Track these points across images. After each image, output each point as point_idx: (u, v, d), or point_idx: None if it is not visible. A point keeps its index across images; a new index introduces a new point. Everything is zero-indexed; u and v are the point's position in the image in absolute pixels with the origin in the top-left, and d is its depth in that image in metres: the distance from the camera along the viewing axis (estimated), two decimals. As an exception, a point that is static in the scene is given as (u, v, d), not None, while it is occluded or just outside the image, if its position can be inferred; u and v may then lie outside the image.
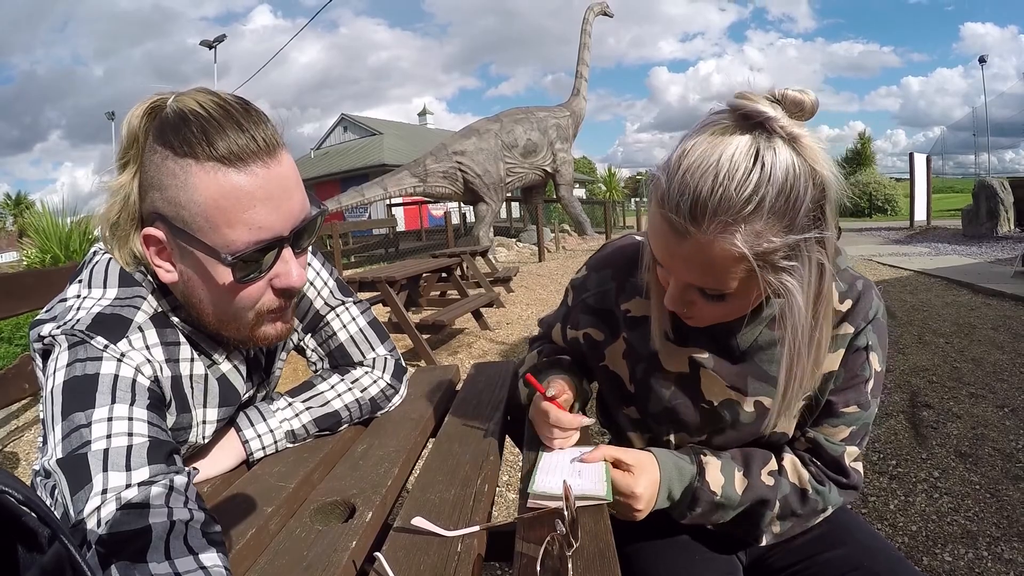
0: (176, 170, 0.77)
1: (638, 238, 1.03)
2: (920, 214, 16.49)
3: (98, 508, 0.69)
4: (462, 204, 16.88)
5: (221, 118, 0.76)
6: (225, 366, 0.99)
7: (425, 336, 4.84)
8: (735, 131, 0.73)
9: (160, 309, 0.90)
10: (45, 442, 0.81)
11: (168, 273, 0.85)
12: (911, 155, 16.61)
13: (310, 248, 1.03)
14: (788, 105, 0.74)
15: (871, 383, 0.93)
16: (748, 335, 0.93)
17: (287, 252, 0.84)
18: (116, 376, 0.79)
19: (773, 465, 0.96)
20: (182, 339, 0.91)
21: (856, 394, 0.93)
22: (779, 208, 0.72)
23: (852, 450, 0.96)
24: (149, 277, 0.90)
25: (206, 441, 1.00)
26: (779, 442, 0.99)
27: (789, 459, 0.97)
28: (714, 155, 0.72)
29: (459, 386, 1.49)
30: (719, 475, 0.94)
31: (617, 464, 0.93)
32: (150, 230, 0.82)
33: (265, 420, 1.07)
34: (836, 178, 0.74)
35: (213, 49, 25.01)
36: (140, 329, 0.86)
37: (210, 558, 0.66)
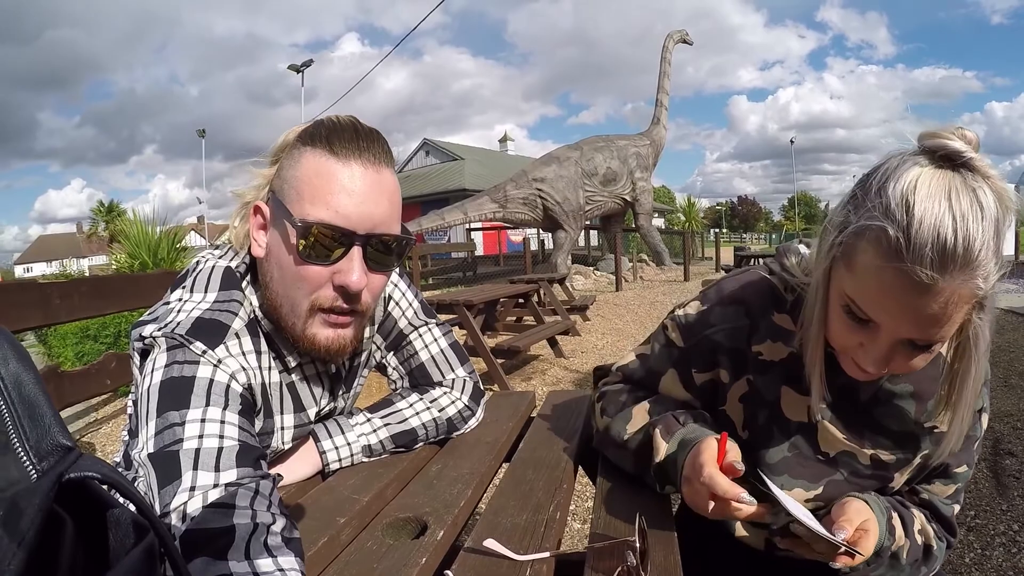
0: (296, 154, 0.89)
1: (765, 275, 0.98)
2: (1008, 248, 15.46)
3: (185, 504, 0.71)
4: (541, 231, 16.95)
5: (346, 127, 0.89)
6: (296, 375, 1.01)
7: (499, 361, 4.86)
8: (944, 171, 0.72)
9: (253, 313, 0.94)
10: (134, 435, 0.85)
11: (259, 248, 0.92)
12: (1004, 187, 15.64)
13: (396, 271, 1.06)
14: (967, 143, 0.73)
15: (978, 442, 0.93)
16: (870, 387, 0.91)
17: (356, 252, 0.87)
18: (212, 380, 0.83)
19: (918, 524, 0.93)
20: (264, 347, 0.94)
21: (967, 455, 0.93)
22: (994, 246, 0.71)
23: (956, 506, 0.96)
24: (247, 275, 0.96)
25: (287, 447, 1.03)
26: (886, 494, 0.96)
27: (920, 516, 0.94)
28: (942, 199, 0.69)
29: (535, 413, 1.49)
30: (903, 533, 0.90)
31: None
32: (260, 203, 0.92)
33: (343, 433, 1.09)
34: (1019, 206, 0.74)
35: (301, 73, 26.29)
36: (237, 336, 0.90)
37: (288, 562, 0.68)
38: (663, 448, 0.94)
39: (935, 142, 0.72)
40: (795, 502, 0.86)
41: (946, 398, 0.85)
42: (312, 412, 1.05)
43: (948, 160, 0.72)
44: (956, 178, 0.70)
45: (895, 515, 0.91)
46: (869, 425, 0.91)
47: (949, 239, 0.68)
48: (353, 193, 0.86)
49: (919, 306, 0.72)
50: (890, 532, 0.88)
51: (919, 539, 0.91)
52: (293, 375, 1.01)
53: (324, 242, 0.86)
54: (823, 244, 0.81)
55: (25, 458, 0.37)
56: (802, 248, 0.97)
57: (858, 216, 0.75)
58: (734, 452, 0.87)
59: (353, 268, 0.87)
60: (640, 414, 1.03)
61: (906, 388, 0.89)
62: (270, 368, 0.96)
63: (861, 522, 0.84)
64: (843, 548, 0.79)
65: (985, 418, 0.93)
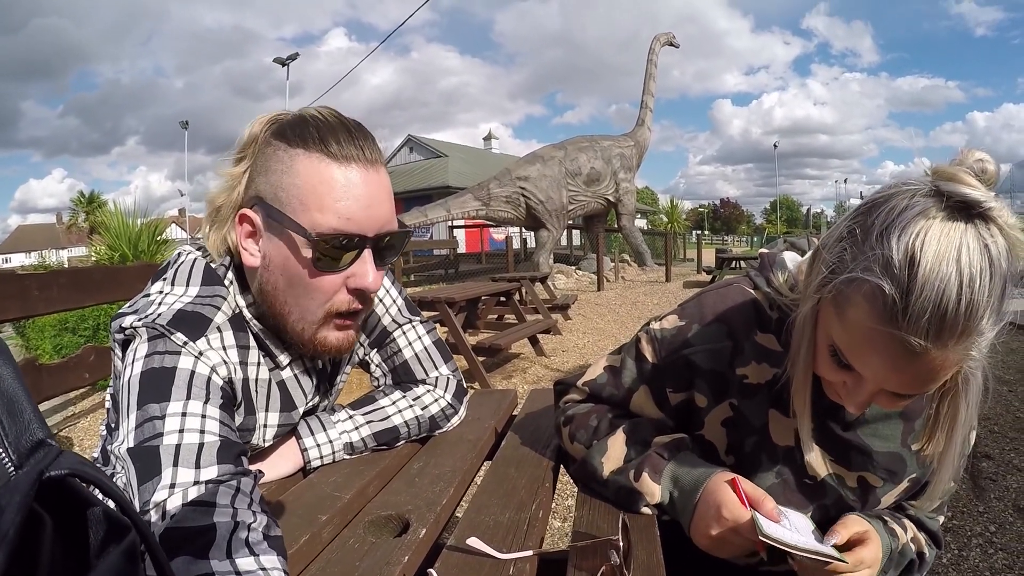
0: (285, 157, 0.85)
1: (748, 289, 0.95)
2: (1013, 305, 15.72)
3: (165, 501, 0.71)
4: (523, 229, 16.97)
5: (337, 125, 0.86)
6: (287, 372, 1.01)
7: (481, 359, 4.86)
8: (954, 222, 0.65)
9: (237, 309, 0.93)
10: (112, 430, 0.84)
11: (252, 257, 0.89)
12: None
13: None
14: (987, 181, 0.68)
15: (964, 458, 0.89)
16: None
17: (367, 254, 0.87)
18: (193, 372, 0.82)
19: (910, 532, 0.94)
20: (252, 343, 0.94)
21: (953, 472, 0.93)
22: (998, 306, 0.66)
23: (941, 518, 0.98)
24: (230, 273, 0.93)
25: (267, 444, 1.02)
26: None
27: (911, 526, 0.95)
28: (950, 261, 0.63)
29: (516, 411, 1.49)
30: (903, 532, 0.91)
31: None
32: (246, 211, 0.88)
33: (325, 430, 1.08)
34: None
35: (286, 66, 26.11)
36: (219, 329, 0.89)
37: (270, 560, 0.67)
38: (656, 491, 0.91)
39: (951, 187, 0.66)
40: (792, 531, 0.81)
41: (929, 436, 0.83)
42: (300, 411, 1.05)
43: (963, 210, 0.65)
44: (969, 232, 0.64)
45: (889, 520, 0.91)
46: (855, 446, 0.90)
47: (951, 309, 0.63)
48: (360, 198, 0.85)
49: (905, 369, 0.69)
50: (891, 534, 0.88)
51: (912, 546, 0.92)
52: (283, 373, 1.00)
53: (335, 252, 0.85)
54: (813, 275, 0.77)
55: (4, 455, 0.36)
56: (788, 262, 0.94)
57: (854, 261, 0.69)
58: (759, 493, 0.84)
59: (368, 271, 0.88)
60: (616, 446, 0.97)
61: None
62: (259, 364, 0.95)
63: (857, 533, 0.83)
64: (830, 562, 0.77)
65: (973, 435, 0.90)
